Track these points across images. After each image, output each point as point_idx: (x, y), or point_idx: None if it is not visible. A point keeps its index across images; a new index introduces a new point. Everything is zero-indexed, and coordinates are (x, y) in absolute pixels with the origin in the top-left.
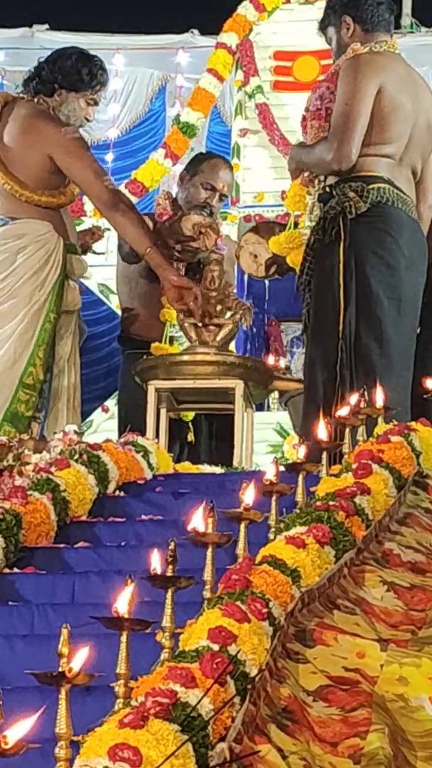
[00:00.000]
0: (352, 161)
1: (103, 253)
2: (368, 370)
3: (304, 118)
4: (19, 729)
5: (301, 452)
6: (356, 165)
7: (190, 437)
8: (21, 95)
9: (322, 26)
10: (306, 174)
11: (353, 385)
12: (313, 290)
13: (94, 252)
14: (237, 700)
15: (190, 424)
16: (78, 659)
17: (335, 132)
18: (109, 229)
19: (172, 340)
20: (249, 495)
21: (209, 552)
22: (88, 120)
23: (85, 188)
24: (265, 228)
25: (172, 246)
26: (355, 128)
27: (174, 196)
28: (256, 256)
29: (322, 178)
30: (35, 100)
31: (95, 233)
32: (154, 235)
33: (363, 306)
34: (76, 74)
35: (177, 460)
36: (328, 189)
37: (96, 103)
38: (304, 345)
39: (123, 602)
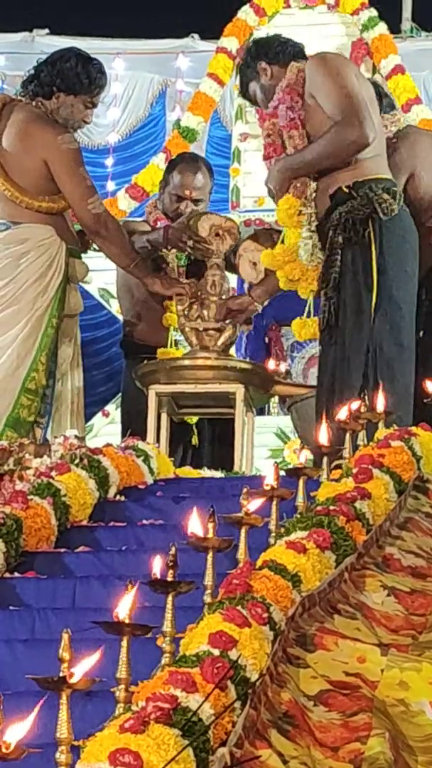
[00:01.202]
0: (376, 134)
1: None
2: (392, 376)
3: (268, 145)
4: (17, 731)
5: (302, 457)
6: (371, 167)
7: (194, 440)
8: (19, 98)
9: (245, 89)
10: (298, 184)
11: (368, 390)
12: (345, 290)
13: (95, 249)
14: (238, 704)
15: (194, 427)
16: (83, 666)
17: (349, 113)
18: None
19: (177, 344)
20: (254, 504)
21: (210, 557)
22: (86, 122)
23: (72, 204)
24: (264, 235)
25: (185, 242)
26: (364, 105)
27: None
28: (255, 264)
29: (314, 185)
30: (33, 103)
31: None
32: (135, 253)
33: (387, 310)
34: (75, 77)
35: (181, 463)
36: (345, 189)
37: (94, 106)
38: (324, 343)
39: (125, 607)
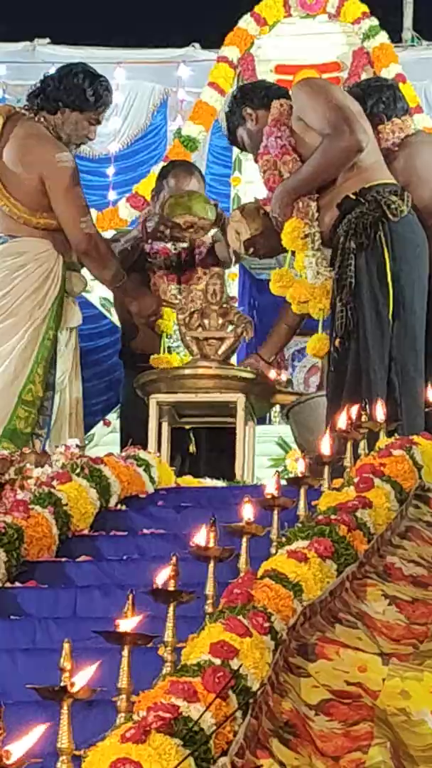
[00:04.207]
0: (369, 139)
1: None
2: (411, 383)
3: (267, 181)
4: (21, 745)
5: (302, 466)
6: (373, 173)
7: (192, 448)
8: (24, 110)
9: (232, 135)
10: (300, 205)
11: (395, 396)
12: (362, 295)
13: None
14: (239, 714)
15: (191, 435)
16: (83, 676)
17: (337, 123)
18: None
19: (170, 350)
20: (248, 510)
21: (211, 566)
22: (90, 139)
23: (63, 223)
24: (249, 211)
25: (162, 231)
26: (352, 113)
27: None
28: (238, 233)
29: (314, 205)
30: (37, 117)
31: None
32: (122, 275)
33: (402, 316)
34: (82, 94)
35: (180, 473)
36: (352, 196)
37: (99, 123)
38: (342, 349)
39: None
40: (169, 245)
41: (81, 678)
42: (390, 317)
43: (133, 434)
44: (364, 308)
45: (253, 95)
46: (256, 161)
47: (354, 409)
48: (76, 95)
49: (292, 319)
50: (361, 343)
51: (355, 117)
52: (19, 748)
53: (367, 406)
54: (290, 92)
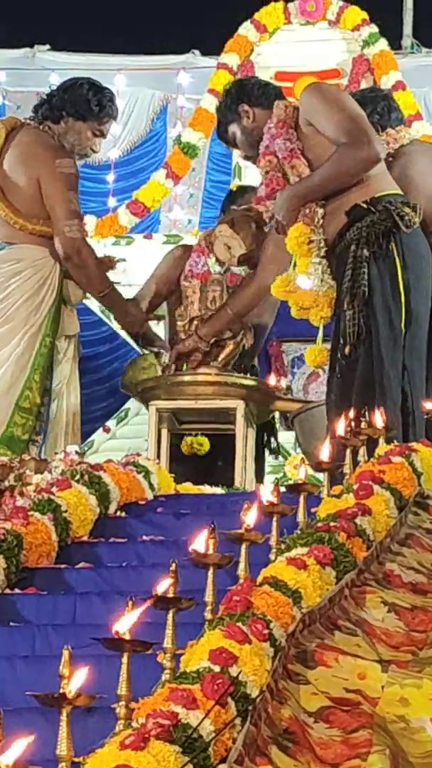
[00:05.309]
0: (384, 150)
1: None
2: (415, 391)
3: (269, 182)
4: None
5: (302, 473)
6: (382, 183)
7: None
8: (28, 121)
9: (222, 130)
10: (307, 211)
11: (407, 404)
12: (376, 304)
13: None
14: (238, 721)
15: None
16: (75, 681)
17: (356, 132)
18: (123, 259)
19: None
20: (251, 516)
21: (210, 573)
22: (94, 151)
23: (54, 223)
24: (240, 222)
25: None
26: (369, 123)
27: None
28: (229, 248)
29: (321, 212)
30: (41, 127)
31: (108, 263)
32: (106, 284)
33: (413, 327)
34: (86, 103)
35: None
36: (363, 204)
37: (103, 135)
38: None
39: (126, 624)
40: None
41: (73, 683)
42: (402, 327)
43: None
44: (377, 317)
45: (251, 92)
46: (246, 158)
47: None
48: (80, 104)
49: (242, 308)
50: (374, 352)
51: (371, 127)
52: (6, 757)
53: (368, 414)
54: (300, 95)
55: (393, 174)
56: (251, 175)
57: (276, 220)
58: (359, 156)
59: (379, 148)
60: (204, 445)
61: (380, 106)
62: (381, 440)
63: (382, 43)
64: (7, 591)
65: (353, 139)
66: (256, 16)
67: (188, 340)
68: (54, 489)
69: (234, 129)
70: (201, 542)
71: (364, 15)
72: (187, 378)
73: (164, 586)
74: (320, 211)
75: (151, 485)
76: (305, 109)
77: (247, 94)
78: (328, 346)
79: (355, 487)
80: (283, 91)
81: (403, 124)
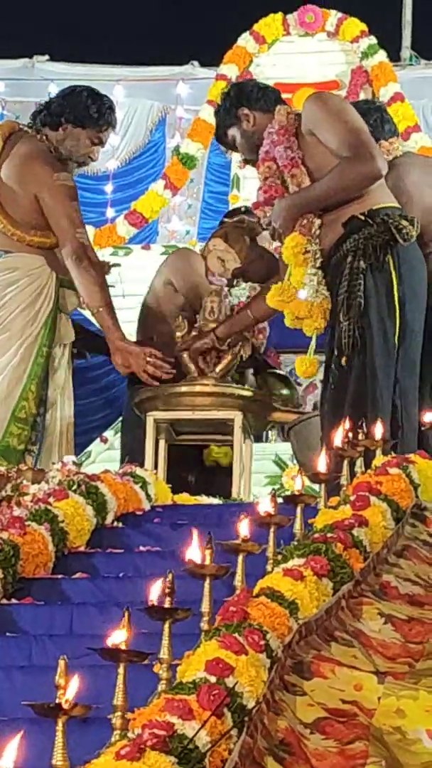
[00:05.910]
0: (386, 165)
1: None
2: (407, 406)
3: (267, 189)
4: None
5: (299, 484)
6: (380, 196)
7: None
8: (27, 127)
9: (221, 133)
10: (304, 221)
11: (397, 417)
12: (371, 316)
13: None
14: (234, 732)
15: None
16: (69, 691)
17: (359, 147)
18: (118, 264)
19: None
20: (244, 526)
21: (207, 584)
22: (92, 159)
23: (57, 233)
24: (234, 235)
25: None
26: (371, 138)
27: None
28: (223, 261)
29: (318, 222)
30: (39, 136)
31: (102, 267)
32: (107, 299)
33: (407, 340)
34: (85, 110)
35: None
36: (361, 216)
37: (102, 143)
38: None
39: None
40: None
41: (69, 693)
42: (396, 341)
43: (135, 452)
44: (372, 329)
45: (250, 95)
46: (246, 163)
47: (349, 427)
48: (79, 111)
49: (263, 313)
50: (368, 363)
51: (374, 142)
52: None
53: (366, 425)
54: (303, 103)
55: (386, 186)
56: (249, 185)
57: (273, 228)
58: (362, 171)
59: (382, 164)
60: (228, 455)
61: (373, 118)
62: (378, 452)
63: (381, 55)
64: (4, 601)
65: (356, 154)
66: (255, 27)
67: (206, 338)
68: (51, 499)
69: (233, 132)
70: (195, 551)
71: (363, 27)
72: (184, 389)
73: (155, 589)
74: (317, 221)
75: (148, 496)
76: (308, 118)
77: (246, 97)
78: (322, 358)
79: (352, 498)
80: (279, 90)
81: (397, 136)
